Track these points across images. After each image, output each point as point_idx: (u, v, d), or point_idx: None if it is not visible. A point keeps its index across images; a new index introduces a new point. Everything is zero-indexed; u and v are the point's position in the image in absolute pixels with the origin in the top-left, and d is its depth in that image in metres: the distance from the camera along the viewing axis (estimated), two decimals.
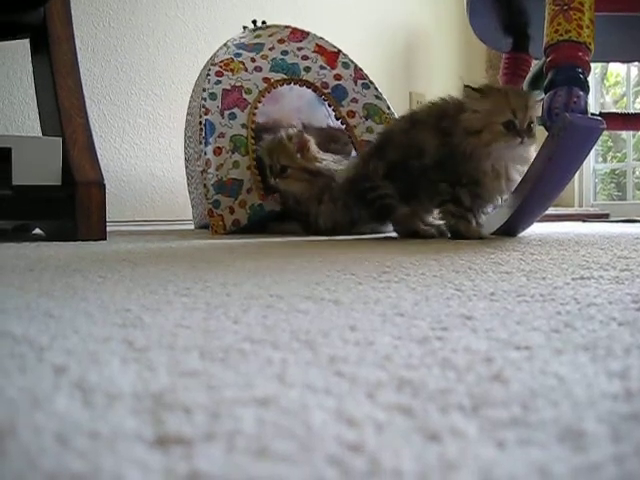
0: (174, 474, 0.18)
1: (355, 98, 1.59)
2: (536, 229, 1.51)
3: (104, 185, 1.23)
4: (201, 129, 1.50)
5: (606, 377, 0.27)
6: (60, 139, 1.21)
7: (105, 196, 1.23)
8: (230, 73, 1.55)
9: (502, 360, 0.30)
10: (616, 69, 3.22)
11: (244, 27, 2.05)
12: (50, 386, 0.26)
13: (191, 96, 1.71)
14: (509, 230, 1.30)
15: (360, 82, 1.61)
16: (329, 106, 1.59)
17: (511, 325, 0.38)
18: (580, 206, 3.05)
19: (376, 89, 1.61)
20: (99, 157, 1.27)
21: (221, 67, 1.56)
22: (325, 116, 1.65)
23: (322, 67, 1.60)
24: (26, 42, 1.42)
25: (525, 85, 1.47)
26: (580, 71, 1.14)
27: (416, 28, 2.99)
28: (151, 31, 2.22)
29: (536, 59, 1.60)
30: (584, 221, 2.42)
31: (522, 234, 1.33)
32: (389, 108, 1.61)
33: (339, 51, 1.63)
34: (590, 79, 1.19)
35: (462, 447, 0.20)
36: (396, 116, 1.59)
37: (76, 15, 1.36)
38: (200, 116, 1.50)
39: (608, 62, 2.75)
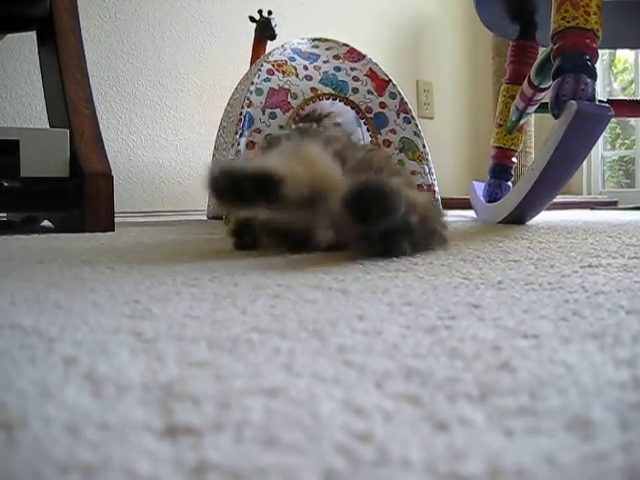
0: (183, 464, 0.18)
1: (394, 129, 1.60)
2: (544, 217, 1.51)
3: (111, 176, 1.23)
4: (240, 120, 1.52)
5: (614, 365, 0.27)
6: (67, 131, 1.22)
7: (113, 187, 1.23)
8: (281, 74, 1.56)
9: (510, 349, 0.30)
10: (624, 55, 3.19)
11: (250, 17, 2.05)
12: (60, 377, 0.26)
13: (236, 88, 1.71)
14: (517, 218, 1.30)
15: (402, 115, 1.62)
16: (367, 130, 1.60)
17: (519, 314, 0.38)
18: (588, 194, 3.04)
19: (416, 125, 1.62)
20: (106, 148, 1.27)
21: (273, 66, 1.57)
22: (360, 138, 1.65)
23: (370, 92, 1.61)
24: (33, 34, 1.42)
25: (532, 72, 1.46)
26: (587, 58, 1.13)
27: (423, 16, 2.97)
28: (157, 22, 2.22)
29: (543, 46, 1.59)
30: (592, 209, 2.41)
31: (530, 222, 1.33)
32: (424, 147, 1.61)
33: (389, 80, 1.64)
34: (598, 66, 1.18)
35: (470, 436, 0.20)
36: (429, 155, 1.61)
37: (82, 7, 1.36)
38: (242, 107, 1.51)
39: (616, 49, 2.73)
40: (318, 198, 0.68)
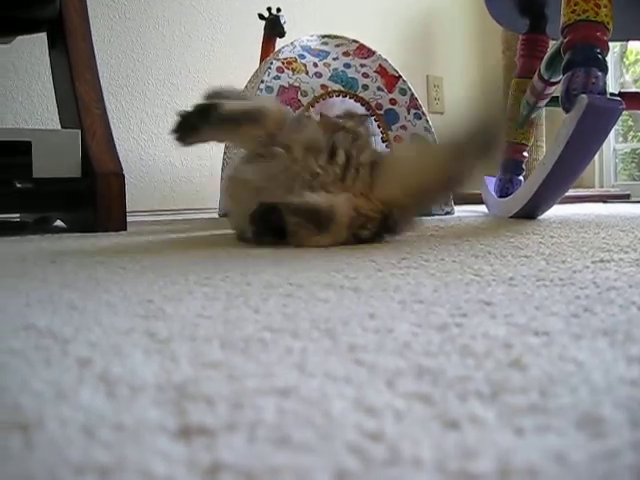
0: (197, 465, 0.18)
1: (405, 125, 1.61)
2: (556, 211, 1.50)
3: (123, 176, 1.24)
4: None
5: (625, 362, 0.27)
6: (79, 131, 1.22)
7: (124, 187, 1.23)
8: (291, 72, 1.56)
9: (521, 346, 0.30)
10: (636, 47, 3.17)
11: (259, 15, 2.05)
12: (75, 378, 0.26)
13: (245, 86, 1.72)
14: (529, 212, 1.29)
15: (413, 111, 1.62)
16: (378, 127, 1.60)
17: (530, 310, 0.38)
18: (601, 187, 3.02)
19: (427, 121, 1.62)
20: (118, 148, 1.27)
21: (283, 64, 1.57)
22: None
23: (380, 88, 1.61)
24: (43, 36, 1.43)
25: (542, 66, 1.45)
26: (598, 51, 1.12)
27: (432, 11, 2.96)
28: (166, 21, 2.22)
29: (553, 40, 1.58)
30: (605, 202, 2.39)
31: (542, 216, 1.32)
32: (435, 142, 1.61)
33: (399, 76, 1.64)
34: (609, 58, 1.18)
35: (481, 434, 0.20)
36: None
37: (92, 7, 1.36)
38: None
39: (627, 41, 2.70)
40: (251, 120, 0.85)
